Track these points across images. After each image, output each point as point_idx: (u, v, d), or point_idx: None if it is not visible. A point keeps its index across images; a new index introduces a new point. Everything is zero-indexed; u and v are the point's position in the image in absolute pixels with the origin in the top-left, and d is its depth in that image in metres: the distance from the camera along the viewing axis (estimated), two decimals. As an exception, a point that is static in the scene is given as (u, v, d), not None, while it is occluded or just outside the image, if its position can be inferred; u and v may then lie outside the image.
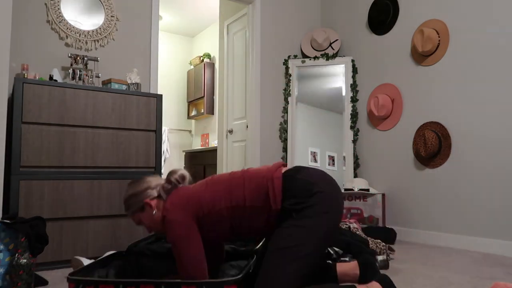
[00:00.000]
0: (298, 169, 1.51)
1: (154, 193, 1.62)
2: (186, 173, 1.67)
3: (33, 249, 1.91)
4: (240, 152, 4.26)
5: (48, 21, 2.90)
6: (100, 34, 3.09)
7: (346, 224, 2.64)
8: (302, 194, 1.42)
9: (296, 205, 1.41)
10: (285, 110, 4.12)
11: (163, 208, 1.55)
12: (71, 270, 2.37)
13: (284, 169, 1.53)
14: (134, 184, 1.65)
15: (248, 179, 1.50)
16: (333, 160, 4.02)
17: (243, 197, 1.47)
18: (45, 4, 2.89)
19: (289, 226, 1.39)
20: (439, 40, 3.28)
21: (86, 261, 2.16)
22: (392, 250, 2.71)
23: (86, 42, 3.03)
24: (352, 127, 3.98)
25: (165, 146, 6.59)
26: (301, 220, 1.39)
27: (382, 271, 2.28)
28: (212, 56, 6.49)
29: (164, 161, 6.63)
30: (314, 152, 4.10)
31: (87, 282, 1.35)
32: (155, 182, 1.65)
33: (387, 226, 3.48)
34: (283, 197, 1.44)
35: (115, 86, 2.87)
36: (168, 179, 1.64)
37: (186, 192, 1.57)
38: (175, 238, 1.45)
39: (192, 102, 6.70)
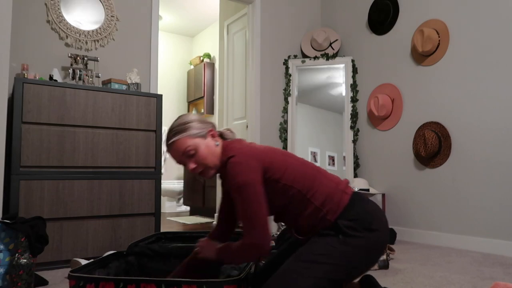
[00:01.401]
0: (361, 197, 1.43)
1: (215, 130, 1.48)
2: None
3: (33, 249, 1.91)
4: (240, 152, 4.26)
5: (48, 21, 2.90)
6: (100, 34, 3.09)
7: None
8: (360, 223, 1.33)
9: (348, 229, 1.32)
10: (285, 110, 4.12)
11: (229, 149, 1.40)
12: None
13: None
14: (192, 115, 1.48)
15: (321, 176, 1.41)
16: (333, 160, 4.02)
17: (309, 187, 1.37)
18: (45, 4, 2.89)
19: (330, 243, 1.31)
20: (439, 40, 3.28)
21: (85, 263, 2.16)
22: (392, 250, 2.71)
23: (86, 42, 3.03)
24: (352, 127, 3.98)
25: (165, 146, 6.58)
26: (345, 245, 1.31)
27: (382, 271, 2.29)
28: (212, 56, 6.49)
29: (164, 161, 6.63)
30: (314, 152, 4.11)
31: (87, 279, 1.35)
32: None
33: (387, 226, 3.48)
34: (340, 213, 1.35)
35: (115, 86, 2.87)
36: (225, 130, 1.52)
37: (255, 146, 1.41)
38: (243, 181, 1.28)
39: (192, 102, 6.70)
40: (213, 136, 1.43)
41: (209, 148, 1.40)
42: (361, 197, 1.41)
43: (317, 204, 1.36)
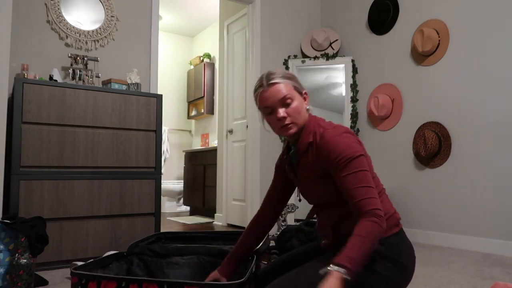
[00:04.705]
0: (406, 235, 1.36)
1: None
2: None
3: (33, 249, 1.91)
4: (240, 152, 4.26)
5: (48, 21, 2.90)
6: (100, 34, 3.09)
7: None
8: (393, 253, 1.24)
9: (377, 254, 1.23)
10: (285, 110, 4.12)
11: (318, 123, 1.31)
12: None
13: None
14: None
15: (386, 196, 1.34)
16: (333, 160, 4.02)
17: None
18: (45, 4, 2.89)
19: None
20: (439, 40, 3.28)
21: (86, 262, 2.16)
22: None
23: (86, 42, 3.03)
24: (352, 127, 3.98)
25: (165, 146, 6.59)
26: (365, 269, 1.22)
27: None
28: (212, 56, 6.49)
29: (164, 161, 6.63)
30: (314, 152, 4.10)
31: (90, 277, 1.35)
32: None
33: (387, 226, 3.48)
34: (383, 238, 1.25)
35: (115, 86, 2.87)
36: None
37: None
38: (356, 152, 1.19)
39: (192, 102, 6.70)
40: (305, 99, 1.35)
41: (300, 106, 1.30)
42: (406, 235, 1.35)
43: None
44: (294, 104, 1.28)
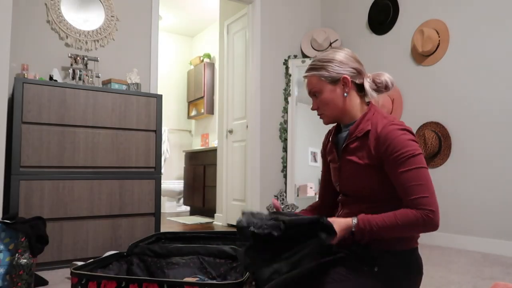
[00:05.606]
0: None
1: (358, 79, 1.31)
2: None
3: (33, 249, 1.91)
4: (240, 152, 4.26)
5: (48, 21, 2.90)
6: (100, 34, 3.09)
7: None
8: (403, 268, 1.23)
9: (388, 266, 1.20)
10: (285, 110, 4.12)
11: (379, 113, 1.28)
12: (71, 270, 2.37)
13: None
14: (343, 51, 1.32)
15: None
16: (333, 160, 4.02)
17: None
18: (45, 4, 2.89)
19: (359, 270, 1.19)
20: (439, 40, 3.28)
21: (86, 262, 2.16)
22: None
23: (86, 42, 3.03)
24: (352, 127, 3.97)
25: (165, 146, 6.59)
26: (373, 280, 1.20)
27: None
28: (212, 56, 6.49)
29: (164, 161, 6.63)
30: (314, 152, 4.11)
31: (90, 277, 1.35)
32: (362, 69, 1.33)
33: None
34: (400, 251, 1.23)
35: (115, 86, 2.87)
36: (376, 77, 1.33)
37: None
38: (418, 151, 1.18)
39: (192, 102, 6.70)
40: (346, 85, 1.29)
41: (333, 96, 1.30)
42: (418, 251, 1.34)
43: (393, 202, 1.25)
44: (322, 96, 1.31)
